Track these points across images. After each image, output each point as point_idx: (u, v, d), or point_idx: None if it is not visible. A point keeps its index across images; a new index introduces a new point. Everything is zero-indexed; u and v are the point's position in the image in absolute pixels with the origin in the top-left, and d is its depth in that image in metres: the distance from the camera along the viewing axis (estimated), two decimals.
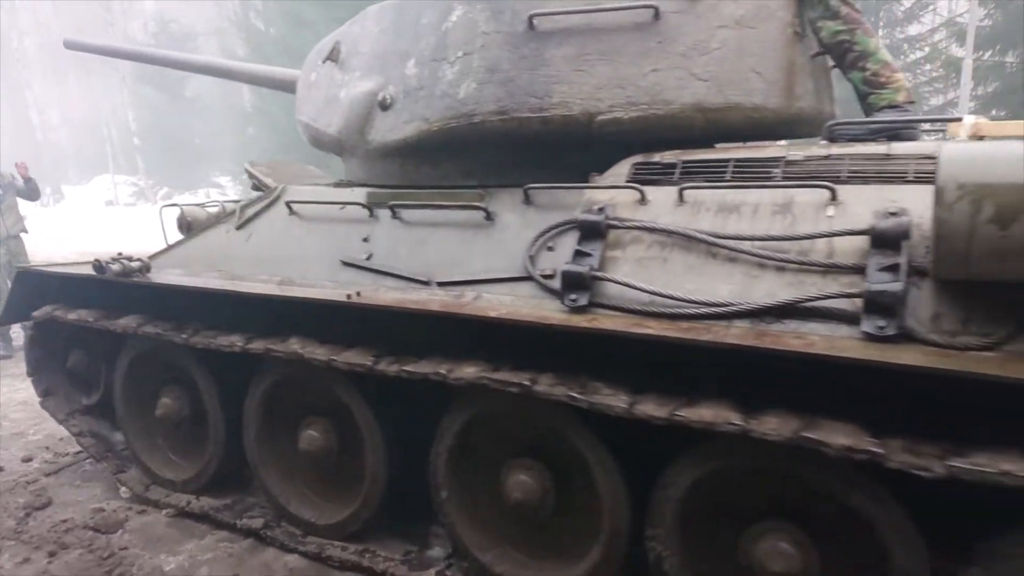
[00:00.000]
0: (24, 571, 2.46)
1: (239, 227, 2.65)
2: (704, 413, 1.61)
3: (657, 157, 2.13)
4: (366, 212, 2.41)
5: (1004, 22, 10.51)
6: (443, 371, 1.96)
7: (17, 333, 5.08)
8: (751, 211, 1.87)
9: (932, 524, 1.58)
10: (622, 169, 2.15)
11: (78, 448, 3.33)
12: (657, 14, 2.07)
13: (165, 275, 2.65)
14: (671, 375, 1.74)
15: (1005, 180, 1.40)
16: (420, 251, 2.26)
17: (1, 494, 3.08)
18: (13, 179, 6.00)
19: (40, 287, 2.98)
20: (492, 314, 1.95)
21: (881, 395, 1.53)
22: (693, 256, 1.87)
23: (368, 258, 2.31)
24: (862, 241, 1.66)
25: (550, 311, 1.92)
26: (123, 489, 3.00)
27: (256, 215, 2.65)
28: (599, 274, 1.90)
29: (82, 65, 24.58)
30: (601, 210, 2.01)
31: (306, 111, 2.86)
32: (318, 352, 2.17)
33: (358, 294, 2.12)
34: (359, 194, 2.49)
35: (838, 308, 1.62)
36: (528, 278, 2.04)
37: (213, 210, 2.99)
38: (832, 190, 1.76)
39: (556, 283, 1.95)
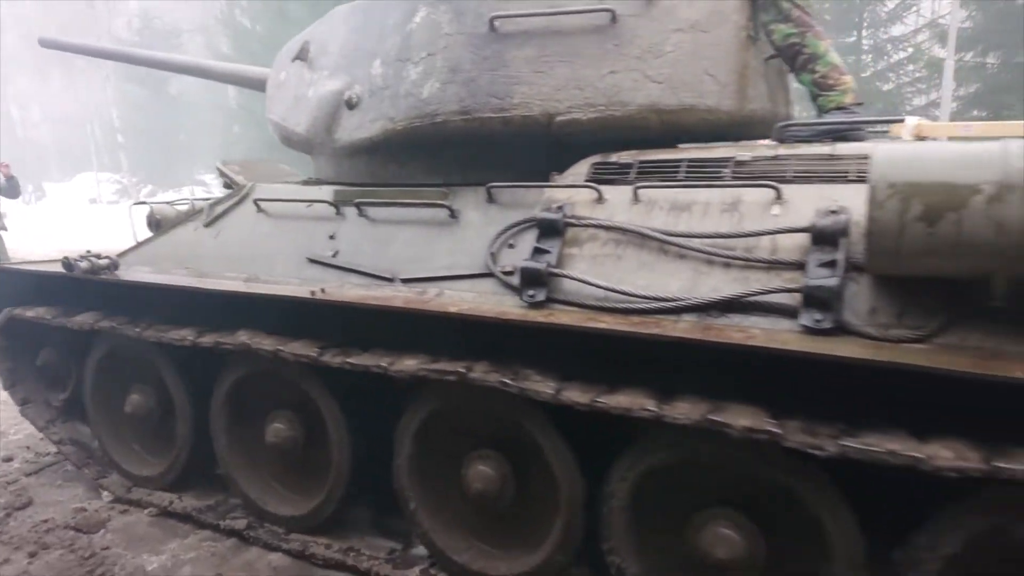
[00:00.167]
0: (4, 571, 2.45)
1: (207, 225, 2.68)
2: (621, 400, 1.70)
3: (615, 157, 2.18)
4: (333, 210, 2.45)
5: (985, 23, 10.66)
6: (384, 363, 2.01)
7: None
8: (702, 209, 1.93)
9: (871, 512, 1.64)
10: (581, 168, 2.20)
11: (59, 439, 3.31)
12: (614, 17, 2.12)
13: (133, 272, 2.67)
14: (644, 368, 1.79)
15: (932, 180, 1.46)
16: (385, 248, 2.30)
17: None
18: None
19: (15, 286, 2.98)
20: (453, 310, 2.00)
21: (823, 386, 1.60)
22: (646, 253, 1.92)
23: (334, 255, 2.34)
24: (804, 238, 1.73)
25: (509, 307, 1.97)
26: (105, 493, 2.99)
27: (224, 213, 2.68)
28: (556, 270, 1.96)
29: (65, 61, 24.31)
30: (560, 208, 2.06)
31: (276, 110, 2.89)
32: (265, 343, 2.21)
33: (322, 291, 2.16)
34: (326, 192, 2.52)
35: (780, 303, 1.69)
36: (490, 275, 2.09)
37: (183, 208, 3.01)
38: (777, 189, 1.83)
39: (516, 279, 2.00)
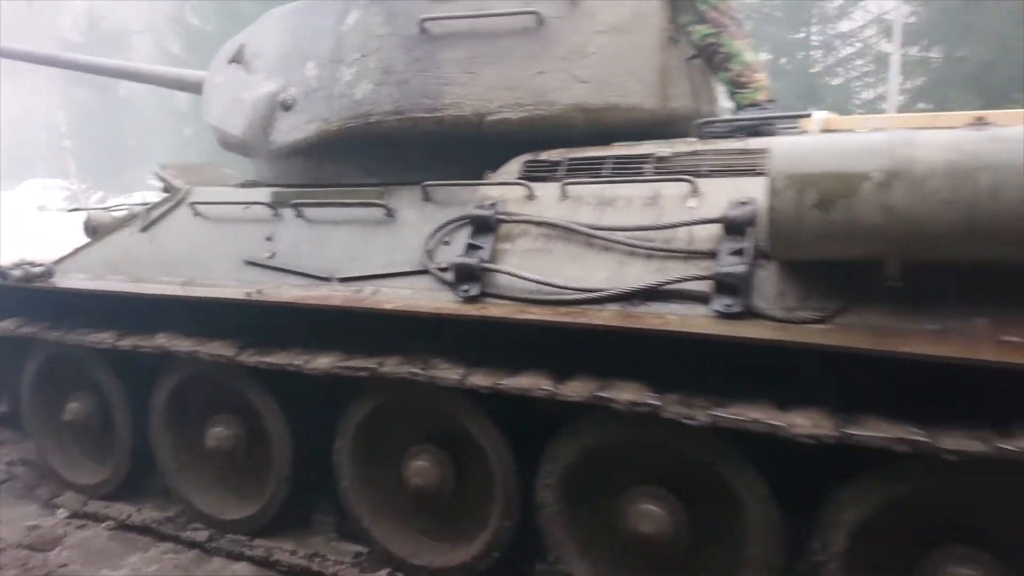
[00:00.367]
0: None
1: (143, 230, 2.66)
2: (521, 381, 1.82)
3: (545, 155, 2.25)
4: (270, 211, 2.46)
5: (929, 18, 10.91)
6: (299, 362, 2.05)
7: None
8: (625, 204, 2.01)
9: (788, 490, 1.75)
10: (513, 167, 2.27)
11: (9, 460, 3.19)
12: (540, 20, 2.19)
13: (69, 279, 2.63)
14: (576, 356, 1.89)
15: (825, 170, 1.57)
16: (323, 248, 2.32)
17: None
18: None
19: None
20: (388, 306, 2.04)
21: (735, 366, 1.71)
22: (573, 246, 2.00)
23: (271, 257, 2.35)
24: (717, 229, 1.82)
25: (445, 302, 2.02)
26: (60, 510, 2.89)
27: (160, 217, 2.66)
28: (489, 265, 2.01)
29: (6, 65, 23.28)
30: (492, 205, 2.12)
31: (213, 113, 2.87)
32: (182, 345, 2.23)
33: (259, 292, 2.17)
34: (263, 194, 2.53)
35: (696, 290, 1.78)
36: (426, 272, 2.13)
37: (120, 214, 2.97)
38: (693, 183, 1.92)
39: (451, 275, 2.05)
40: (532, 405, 1.88)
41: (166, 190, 2.96)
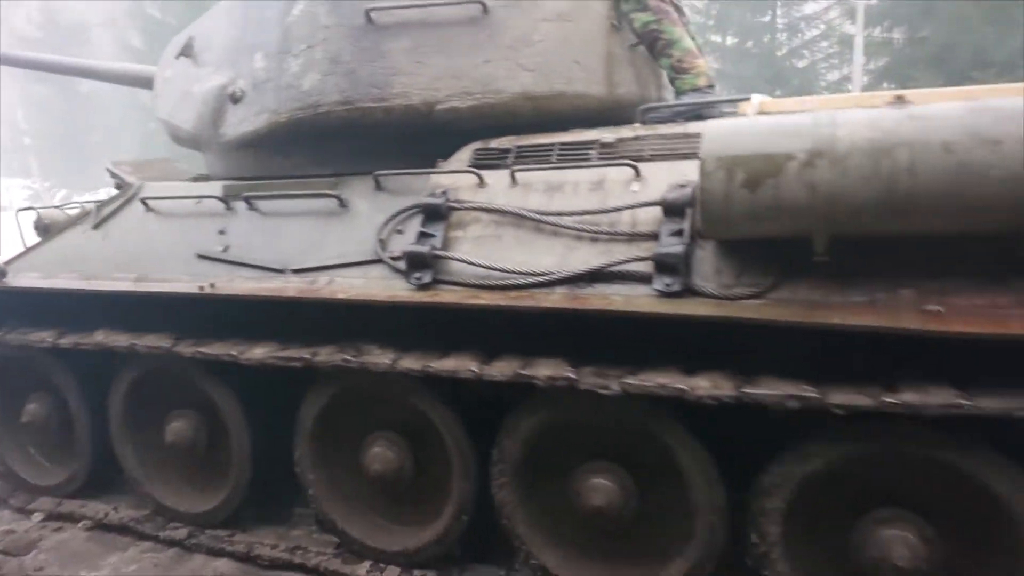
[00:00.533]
0: None
1: (95, 227, 2.63)
2: (448, 363, 1.90)
3: (495, 143, 2.28)
4: (222, 205, 2.45)
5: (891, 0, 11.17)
6: (235, 352, 2.08)
7: None
8: (572, 189, 2.05)
9: (730, 461, 1.83)
10: (463, 155, 2.29)
11: None
12: (485, 9, 2.21)
13: (21, 279, 2.60)
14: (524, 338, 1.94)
15: (752, 151, 1.63)
16: (276, 240, 2.33)
17: None
18: None
19: None
20: (342, 296, 2.06)
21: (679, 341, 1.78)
22: (523, 232, 2.04)
23: (224, 250, 2.35)
24: (658, 211, 1.87)
25: (398, 290, 2.05)
26: (36, 514, 2.84)
27: (112, 214, 2.63)
28: (440, 253, 2.04)
29: None
30: (444, 193, 2.15)
31: (163, 108, 2.85)
32: (120, 340, 2.25)
33: (212, 285, 2.18)
34: (215, 187, 2.52)
35: (639, 271, 1.83)
36: (379, 261, 2.16)
37: (72, 211, 2.93)
38: (635, 168, 1.97)
39: (404, 264, 2.08)
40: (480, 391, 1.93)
41: (118, 186, 2.92)
